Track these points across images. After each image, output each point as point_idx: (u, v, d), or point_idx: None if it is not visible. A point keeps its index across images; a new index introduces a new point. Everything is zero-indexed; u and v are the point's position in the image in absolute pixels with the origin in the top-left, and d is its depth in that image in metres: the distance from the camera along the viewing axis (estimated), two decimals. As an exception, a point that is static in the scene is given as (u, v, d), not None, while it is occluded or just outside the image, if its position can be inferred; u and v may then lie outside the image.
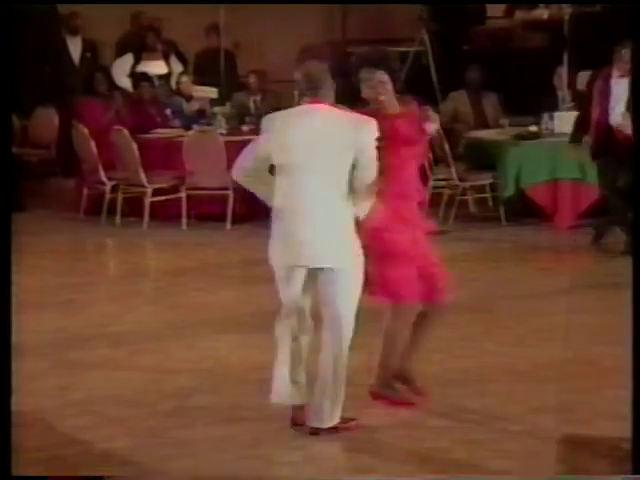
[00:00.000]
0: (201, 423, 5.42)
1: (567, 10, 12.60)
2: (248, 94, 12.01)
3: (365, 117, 4.98)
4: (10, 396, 4.18)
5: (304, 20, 13.60)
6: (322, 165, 4.92)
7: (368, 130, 4.91)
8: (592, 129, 8.94)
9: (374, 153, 4.91)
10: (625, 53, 8.76)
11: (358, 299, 5.07)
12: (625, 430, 5.06)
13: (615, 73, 8.88)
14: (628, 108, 8.67)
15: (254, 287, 8.37)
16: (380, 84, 5.30)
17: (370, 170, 4.90)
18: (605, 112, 8.85)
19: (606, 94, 8.85)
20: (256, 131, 10.99)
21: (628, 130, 8.40)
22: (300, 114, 5.12)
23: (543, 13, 13.16)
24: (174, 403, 5.71)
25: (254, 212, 10.85)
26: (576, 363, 5.55)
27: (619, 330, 6.31)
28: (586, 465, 4.80)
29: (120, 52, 13.11)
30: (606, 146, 8.78)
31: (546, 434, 5.07)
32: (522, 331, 6.81)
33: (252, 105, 11.82)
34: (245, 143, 10.76)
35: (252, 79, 12.15)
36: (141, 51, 12.74)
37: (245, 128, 11.21)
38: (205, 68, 12.96)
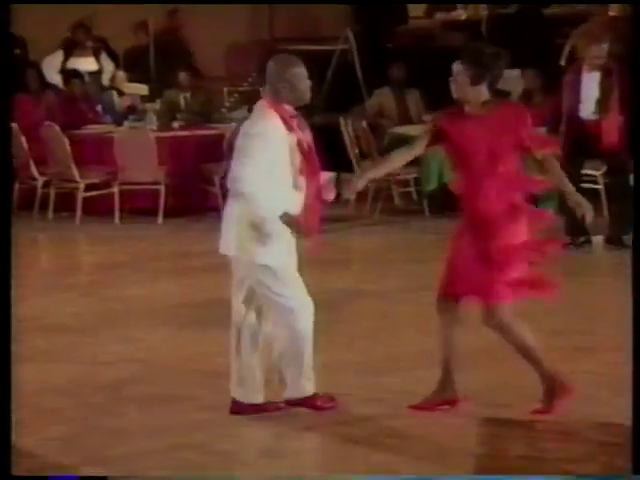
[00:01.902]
0: (135, 413, 5.39)
1: (483, 12, 12.76)
2: (178, 91, 11.94)
3: None
4: (10, 396, 4.05)
5: (232, 19, 13.54)
6: None
7: None
8: (563, 121, 9.02)
9: None
10: (595, 49, 8.88)
11: None
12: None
13: (585, 67, 8.98)
14: (598, 101, 8.79)
15: (187, 279, 8.36)
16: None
17: None
18: (575, 105, 8.94)
19: (576, 88, 8.94)
20: (186, 127, 11.15)
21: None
22: None
23: (461, 14, 13.30)
24: (109, 393, 5.67)
25: (186, 206, 10.85)
26: (500, 348, 5.58)
27: (538, 316, 6.46)
28: (505, 446, 4.85)
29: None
30: (577, 138, 8.86)
31: (469, 416, 5.12)
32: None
33: (182, 102, 11.76)
34: (175, 139, 11.01)
35: (182, 76, 12.07)
36: (71, 48, 12.60)
37: (175, 124, 11.18)
38: (135, 66, 12.85)
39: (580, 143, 8.80)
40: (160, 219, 10.49)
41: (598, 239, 9.19)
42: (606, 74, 8.82)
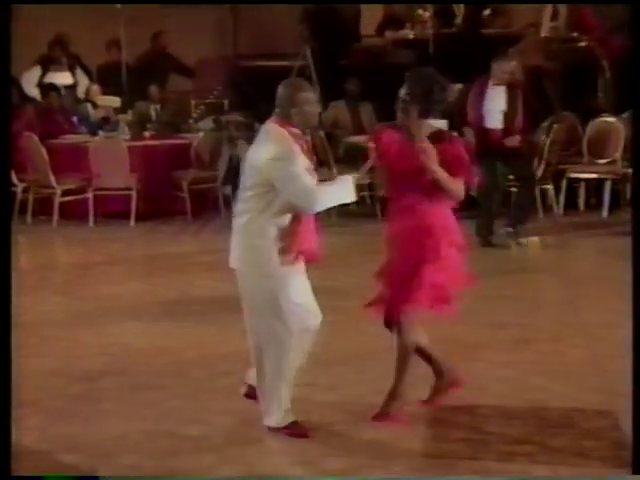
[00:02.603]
0: (109, 402, 5.36)
1: (429, 31, 12.86)
2: (149, 103, 11.90)
3: None
4: (10, 396, 3.93)
5: (199, 35, 13.50)
6: None
7: None
8: (474, 133, 9.09)
9: None
10: (498, 65, 8.95)
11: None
12: (486, 398, 5.20)
13: (491, 81, 9.04)
14: (503, 113, 8.86)
15: (157, 278, 8.32)
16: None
17: None
18: (480, 115, 9.01)
19: (481, 99, 9.01)
20: (156, 137, 11.09)
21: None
22: None
23: (409, 33, 13.37)
24: (84, 385, 5.63)
25: (156, 210, 10.80)
26: (444, 341, 5.61)
27: (477, 312, 6.51)
28: (447, 430, 4.87)
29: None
30: (484, 146, 8.94)
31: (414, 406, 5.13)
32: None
33: (153, 113, 11.72)
34: (147, 148, 10.96)
35: (152, 89, 12.05)
36: (48, 63, 12.53)
37: (146, 134, 11.14)
38: (108, 80, 12.78)
39: (488, 151, 8.90)
40: (132, 222, 10.45)
41: (535, 239, 9.26)
42: (511, 88, 8.93)
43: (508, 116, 8.91)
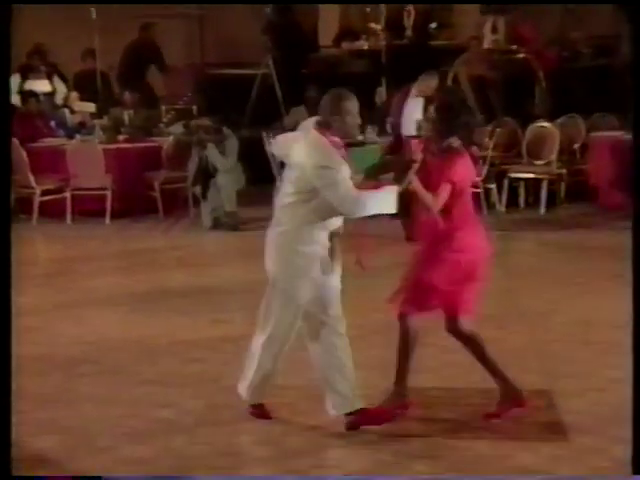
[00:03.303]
0: (87, 387, 5.33)
1: (382, 42, 12.89)
2: (122, 109, 11.82)
3: None
4: (10, 396, 3.80)
5: (169, 45, 13.42)
6: None
7: None
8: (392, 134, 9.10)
9: None
10: (424, 79, 8.95)
11: None
12: (436, 380, 5.22)
13: (413, 92, 9.04)
14: (422, 120, 8.85)
15: (131, 273, 8.28)
16: None
17: None
18: (398, 122, 9.01)
19: (401, 107, 9.01)
20: (130, 140, 11.01)
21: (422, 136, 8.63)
22: None
23: (364, 44, 13.38)
24: (63, 371, 5.59)
25: (129, 208, 10.73)
26: (395, 330, 5.61)
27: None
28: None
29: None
30: (398, 149, 8.96)
31: (371, 390, 5.14)
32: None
33: (126, 118, 11.64)
34: (120, 150, 10.88)
35: (126, 96, 11.99)
36: (27, 72, 12.41)
37: (120, 138, 11.07)
38: (83, 87, 12.68)
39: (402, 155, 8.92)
40: (107, 220, 10.38)
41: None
42: (429, 102, 8.91)
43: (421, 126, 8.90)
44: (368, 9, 13.50)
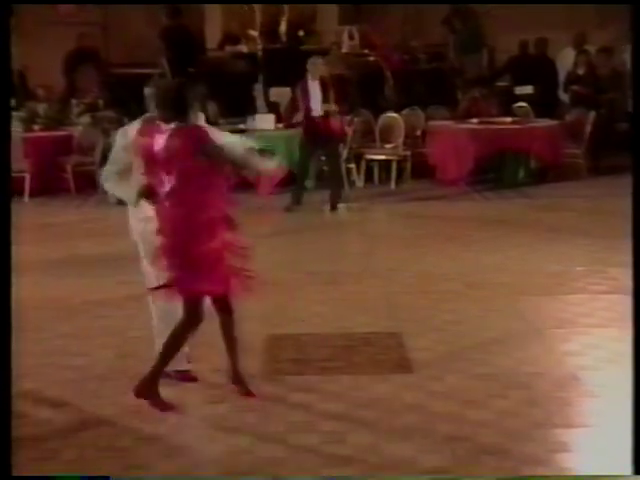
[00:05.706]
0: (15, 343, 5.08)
1: (260, 46, 12.81)
2: (37, 102, 11.33)
3: None
4: (10, 396, 3.37)
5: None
6: None
7: None
8: (303, 119, 8.98)
9: None
10: (313, 62, 8.84)
11: None
12: (306, 328, 5.22)
13: (309, 78, 8.97)
14: (324, 101, 8.74)
15: (47, 243, 7.98)
16: None
17: None
18: (308, 107, 8.93)
19: (306, 94, 8.93)
20: (44, 129, 10.56)
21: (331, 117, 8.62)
22: None
23: (243, 48, 13.24)
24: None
25: (45, 188, 10.35)
26: (269, 284, 5.50)
27: (296, 261, 6.48)
28: (279, 352, 4.89)
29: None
30: (310, 131, 8.83)
31: (253, 337, 5.10)
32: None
33: (41, 110, 11.18)
34: (37, 138, 10.42)
35: (40, 91, 11.50)
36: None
37: (36, 127, 10.68)
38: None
39: (313, 134, 8.89)
40: (26, 198, 9.96)
41: (343, 206, 9.25)
42: (322, 83, 8.90)
43: (323, 105, 8.87)
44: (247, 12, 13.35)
